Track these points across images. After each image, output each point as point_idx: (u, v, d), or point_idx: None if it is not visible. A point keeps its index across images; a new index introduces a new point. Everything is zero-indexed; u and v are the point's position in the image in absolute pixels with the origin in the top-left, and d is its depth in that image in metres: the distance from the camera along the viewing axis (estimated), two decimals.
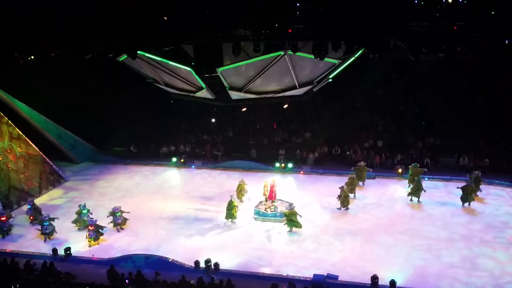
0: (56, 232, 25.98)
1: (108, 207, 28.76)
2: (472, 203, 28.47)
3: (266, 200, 28.40)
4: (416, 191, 29.19)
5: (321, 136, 38.17)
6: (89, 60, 25.01)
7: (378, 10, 20.59)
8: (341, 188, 28.58)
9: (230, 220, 27.45)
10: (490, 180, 31.43)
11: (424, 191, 29.01)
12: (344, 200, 28.48)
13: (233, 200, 27.54)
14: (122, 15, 22.47)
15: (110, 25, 22.78)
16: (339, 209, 28.44)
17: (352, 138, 37.56)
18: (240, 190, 29.89)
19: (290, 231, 26.02)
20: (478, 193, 29.29)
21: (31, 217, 27.89)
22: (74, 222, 27.03)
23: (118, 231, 26.62)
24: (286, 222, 26.11)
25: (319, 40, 22.61)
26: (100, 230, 25.42)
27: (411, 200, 29.34)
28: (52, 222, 25.98)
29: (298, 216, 25.99)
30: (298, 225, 25.97)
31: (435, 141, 36.11)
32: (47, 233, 25.77)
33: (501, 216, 27.19)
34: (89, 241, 25.18)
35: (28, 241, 25.96)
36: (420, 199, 29.12)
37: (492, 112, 34.06)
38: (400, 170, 31.94)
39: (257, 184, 30.72)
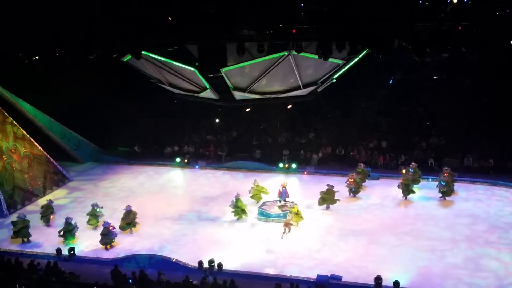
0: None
1: (112, 207, 28.92)
2: (477, 204, 28.60)
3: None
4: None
5: (325, 137, 38.17)
6: (93, 60, 25.04)
7: (382, 10, 20.56)
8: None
9: (237, 217, 27.64)
10: (494, 181, 31.42)
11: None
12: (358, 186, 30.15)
13: (237, 199, 27.56)
14: (126, 15, 22.50)
15: (115, 25, 22.82)
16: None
17: (356, 138, 37.52)
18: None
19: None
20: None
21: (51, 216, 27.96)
22: (88, 222, 27.10)
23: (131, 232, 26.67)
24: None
25: (323, 40, 22.60)
26: (112, 233, 25.11)
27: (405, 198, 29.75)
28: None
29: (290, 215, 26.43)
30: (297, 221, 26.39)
31: (439, 142, 36.04)
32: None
33: (505, 217, 27.10)
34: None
35: (33, 241, 26.04)
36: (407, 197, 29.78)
37: (497, 113, 33.95)
38: (404, 171, 31.88)
39: (261, 184, 30.69)
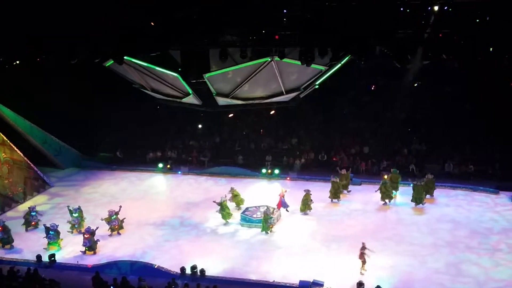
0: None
1: (93, 213, 28.67)
2: (458, 209, 28.89)
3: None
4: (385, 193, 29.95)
5: (307, 143, 38.27)
6: (75, 65, 24.86)
7: (364, 17, 20.73)
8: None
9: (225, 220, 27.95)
10: (475, 186, 31.72)
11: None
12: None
13: (223, 202, 27.79)
14: (109, 20, 22.39)
15: (97, 30, 22.70)
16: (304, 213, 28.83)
17: (338, 144, 37.68)
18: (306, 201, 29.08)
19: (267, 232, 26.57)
20: (428, 196, 30.24)
21: (33, 223, 27.59)
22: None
23: (111, 235, 26.59)
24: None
25: (306, 47, 22.72)
26: (95, 240, 25.00)
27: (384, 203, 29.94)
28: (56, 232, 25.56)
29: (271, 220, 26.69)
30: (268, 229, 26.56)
31: (420, 148, 36.33)
32: (51, 242, 25.42)
33: (485, 222, 27.37)
34: (85, 249, 24.91)
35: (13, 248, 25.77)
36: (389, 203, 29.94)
37: (478, 119, 34.37)
38: (386, 177, 32.13)
39: (243, 190, 30.83)
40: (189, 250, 25.17)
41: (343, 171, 31.87)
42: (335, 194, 30.37)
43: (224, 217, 27.85)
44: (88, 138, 37.72)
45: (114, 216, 26.69)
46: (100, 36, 23.00)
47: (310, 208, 28.85)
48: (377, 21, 20.72)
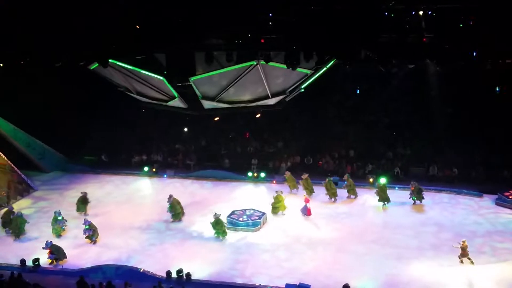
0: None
1: (78, 216, 28.46)
2: (442, 212, 29.17)
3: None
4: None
5: (293, 146, 38.34)
6: (60, 68, 24.72)
7: (349, 21, 20.88)
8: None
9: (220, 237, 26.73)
10: (459, 189, 31.96)
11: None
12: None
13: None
14: (94, 23, 22.32)
15: (82, 33, 22.61)
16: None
17: (324, 147, 37.79)
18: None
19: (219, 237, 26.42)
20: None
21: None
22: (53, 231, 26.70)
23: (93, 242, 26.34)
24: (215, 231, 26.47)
25: (292, 51, 22.82)
26: (58, 251, 24.37)
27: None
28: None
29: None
30: (222, 234, 26.30)
31: (405, 151, 36.55)
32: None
33: (469, 225, 27.59)
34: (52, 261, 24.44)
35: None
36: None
37: (461, 123, 34.66)
38: (371, 180, 32.29)
39: (229, 193, 30.77)
40: (175, 254, 25.08)
41: (287, 173, 32.46)
42: (333, 194, 31.00)
43: (175, 217, 28.35)
44: (73, 141, 37.41)
45: (87, 226, 26.07)
46: (85, 39, 22.89)
47: (284, 208, 29.08)
48: (362, 25, 20.88)
